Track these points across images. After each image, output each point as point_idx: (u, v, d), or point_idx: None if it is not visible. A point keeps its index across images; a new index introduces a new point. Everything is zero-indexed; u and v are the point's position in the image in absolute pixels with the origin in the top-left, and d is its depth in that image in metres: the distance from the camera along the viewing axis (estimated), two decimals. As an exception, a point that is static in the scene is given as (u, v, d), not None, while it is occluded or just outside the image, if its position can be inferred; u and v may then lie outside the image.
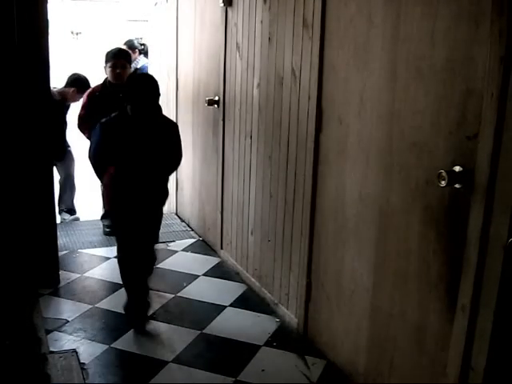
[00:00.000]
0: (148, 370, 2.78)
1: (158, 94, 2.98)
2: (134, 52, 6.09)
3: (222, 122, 4.03)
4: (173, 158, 3.19)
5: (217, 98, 4.06)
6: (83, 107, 4.27)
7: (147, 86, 2.94)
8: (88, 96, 4.28)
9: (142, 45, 6.47)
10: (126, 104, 2.94)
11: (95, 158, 3.05)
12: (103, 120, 2.99)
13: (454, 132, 1.94)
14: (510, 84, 1.70)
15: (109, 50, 4.24)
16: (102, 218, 4.67)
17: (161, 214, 3.27)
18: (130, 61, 4.24)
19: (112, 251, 4.28)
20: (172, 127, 3.18)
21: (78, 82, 4.86)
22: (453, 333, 1.99)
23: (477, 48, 1.82)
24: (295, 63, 2.97)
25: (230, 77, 3.83)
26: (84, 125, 4.22)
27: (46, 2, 3.33)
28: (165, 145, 3.07)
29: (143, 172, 3.01)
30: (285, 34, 3.06)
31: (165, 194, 3.23)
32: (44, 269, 3.60)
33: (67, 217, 5.12)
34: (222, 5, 3.83)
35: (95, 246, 4.42)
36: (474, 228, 1.85)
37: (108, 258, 4.17)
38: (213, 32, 4.11)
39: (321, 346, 2.92)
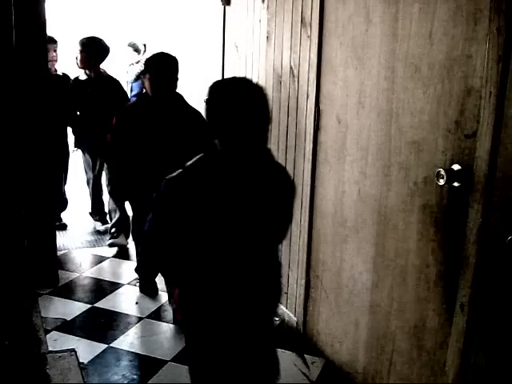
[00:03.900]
0: (147, 369, 2.78)
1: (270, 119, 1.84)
2: (139, 54, 6.07)
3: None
4: (282, 222, 2.01)
5: (215, 97, 4.05)
6: (111, 132, 3.27)
7: (258, 100, 1.75)
8: (118, 116, 3.26)
9: (144, 45, 6.43)
10: (214, 135, 1.76)
11: (161, 242, 1.82)
12: (173, 175, 1.77)
13: (452, 130, 1.94)
14: (508, 82, 1.70)
15: (149, 56, 3.31)
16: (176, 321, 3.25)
17: (271, 320, 2.09)
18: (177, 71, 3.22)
19: (111, 250, 4.28)
20: (285, 177, 1.99)
21: (85, 45, 4.22)
22: (452, 331, 1.99)
23: (475, 46, 1.82)
24: (293, 62, 2.97)
25: (229, 76, 3.83)
26: (112, 156, 3.31)
27: (44, 1, 3.33)
28: (276, 204, 1.89)
29: (245, 253, 1.83)
30: (283, 33, 3.06)
31: (277, 285, 2.01)
32: (43, 268, 3.59)
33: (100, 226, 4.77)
34: (221, 3, 3.84)
35: (94, 246, 4.42)
36: (473, 226, 1.85)
37: (107, 258, 4.17)
38: (211, 31, 4.11)
39: (320, 344, 2.92)
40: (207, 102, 1.77)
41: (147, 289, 3.59)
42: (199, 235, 1.76)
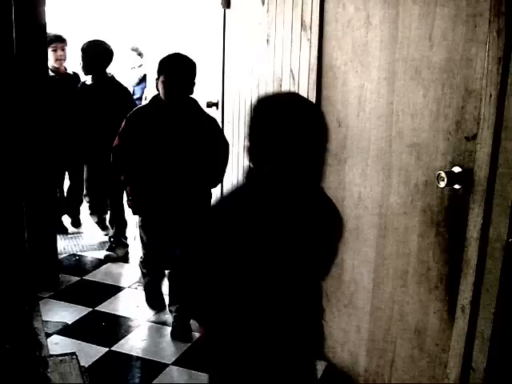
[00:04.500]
0: (148, 372, 2.78)
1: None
2: (142, 58, 6.07)
3: (221, 124, 4.03)
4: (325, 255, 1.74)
5: (216, 100, 4.06)
6: (120, 135, 3.03)
7: (319, 120, 1.53)
8: (128, 119, 3.03)
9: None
10: (264, 159, 1.47)
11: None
12: (223, 208, 1.62)
13: (452, 133, 1.94)
14: (508, 84, 1.70)
15: (164, 56, 2.94)
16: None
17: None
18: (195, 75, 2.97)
19: (112, 253, 4.27)
20: (334, 209, 1.70)
21: (86, 51, 4.01)
22: (453, 333, 1.99)
23: (475, 49, 1.82)
24: (294, 65, 2.97)
25: (229, 79, 3.84)
26: (120, 162, 3.06)
27: (44, 4, 3.33)
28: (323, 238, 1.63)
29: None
30: (283, 36, 3.06)
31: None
32: (44, 272, 3.59)
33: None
34: (221, 6, 3.84)
35: (95, 249, 4.42)
36: (474, 228, 1.85)
37: (108, 261, 4.17)
38: (212, 34, 4.11)
39: (321, 347, 2.92)
40: (255, 120, 1.54)
41: (153, 302, 3.50)
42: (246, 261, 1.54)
